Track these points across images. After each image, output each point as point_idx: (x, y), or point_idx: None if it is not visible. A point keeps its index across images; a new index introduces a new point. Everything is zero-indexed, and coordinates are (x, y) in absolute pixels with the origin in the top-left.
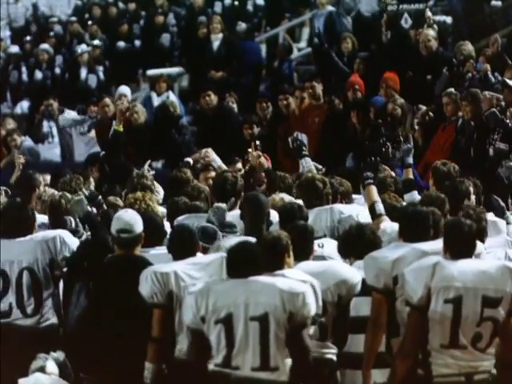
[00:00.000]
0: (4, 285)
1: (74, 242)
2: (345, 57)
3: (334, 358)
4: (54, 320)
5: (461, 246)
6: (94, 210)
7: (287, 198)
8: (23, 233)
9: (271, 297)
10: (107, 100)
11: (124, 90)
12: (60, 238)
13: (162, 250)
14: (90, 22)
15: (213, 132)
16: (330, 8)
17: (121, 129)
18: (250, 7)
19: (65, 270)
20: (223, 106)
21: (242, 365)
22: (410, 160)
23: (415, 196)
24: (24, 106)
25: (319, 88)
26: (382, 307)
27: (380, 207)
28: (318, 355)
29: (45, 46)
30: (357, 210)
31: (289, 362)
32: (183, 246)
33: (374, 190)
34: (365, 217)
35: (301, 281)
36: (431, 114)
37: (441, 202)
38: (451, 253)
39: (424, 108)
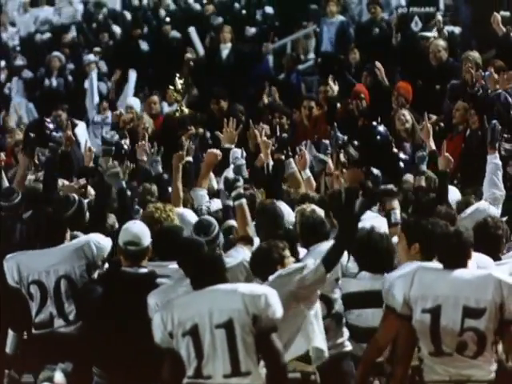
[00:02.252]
0: (42, 295)
1: (108, 242)
2: (352, 67)
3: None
4: None
5: (450, 256)
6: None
7: (318, 209)
8: (55, 242)
9: (234, 302)
10: (155, 97)
11: (132, 101)
12: (94, 242)
13: None
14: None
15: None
16: (340, 17)
17: None
18: (258, 16)
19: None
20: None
21: (213, 373)
22: (424, 168)
23: None
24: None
25: (333, 93)
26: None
27: (397, 215)
28: (336, 351)
29: (57, 52)
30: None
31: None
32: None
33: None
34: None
35: None
36: (441, 124)
37: (451, 219)
38: (444, 264)
39: (434, 117)
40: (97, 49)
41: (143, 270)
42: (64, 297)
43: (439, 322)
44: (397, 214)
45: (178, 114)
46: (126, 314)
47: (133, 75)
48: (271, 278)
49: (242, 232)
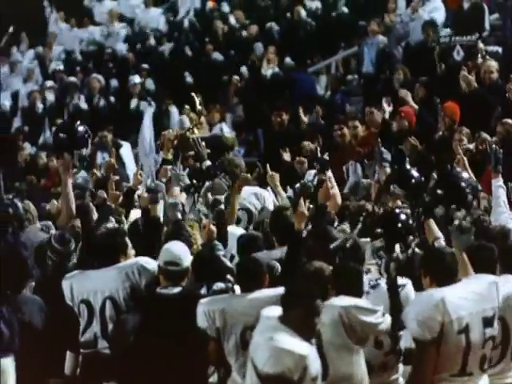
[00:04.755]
0: (89, 315)
1: (155, 267)
2: (396, 88)
3: None
4: None
5: (446, 275)
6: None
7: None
8: (110, 262)
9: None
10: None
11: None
12: (138, 265)
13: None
14: None
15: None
16: (381, 37)
17: (169, 157)
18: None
19: None
20: (291, 128)
21: None
22: None
23: None
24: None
25: (378, 115)
26: None
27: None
28: None
29: (95, 74)
30: None
31: None
32: (249, 278)
33: (432, 223)
34: None
35: None
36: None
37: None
38: (437, 283)
39: (484, 135)
40: (145, 65)
41: (177, 290)
42: (108, 318)
43: (470, 339)
44: (442, 244)
45: (187, 134)
46: (167, 336)
47: (174, 111)
48: (347, 302)
49: None
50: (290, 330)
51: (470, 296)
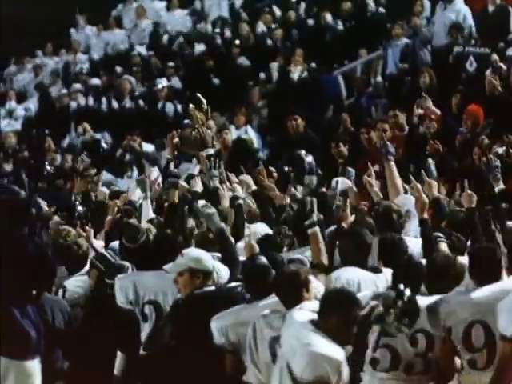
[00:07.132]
0: (157, 316)
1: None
2: (422, 90)
3: None
4: None
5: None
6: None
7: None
8: None
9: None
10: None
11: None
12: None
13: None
14: None
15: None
16: (405, 40)
17: (169, 156)
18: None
19: None
20: (308, 133)
21: None
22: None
23: None
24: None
25: (402, 118)
26: None
27: None
28: None
29: (127, 75)
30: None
31: None
32: (257, 283)
33: None
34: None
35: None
36: None
37: None
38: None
39: None
40: (171, 64)
41: (211, 289)
42: None
43: None
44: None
45: (193, 134)
46: (205, 334)
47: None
48: None
49: (316, 260)
50: (325, 336)
51: None
